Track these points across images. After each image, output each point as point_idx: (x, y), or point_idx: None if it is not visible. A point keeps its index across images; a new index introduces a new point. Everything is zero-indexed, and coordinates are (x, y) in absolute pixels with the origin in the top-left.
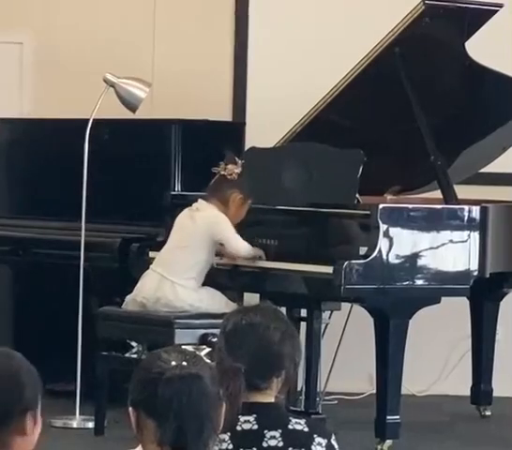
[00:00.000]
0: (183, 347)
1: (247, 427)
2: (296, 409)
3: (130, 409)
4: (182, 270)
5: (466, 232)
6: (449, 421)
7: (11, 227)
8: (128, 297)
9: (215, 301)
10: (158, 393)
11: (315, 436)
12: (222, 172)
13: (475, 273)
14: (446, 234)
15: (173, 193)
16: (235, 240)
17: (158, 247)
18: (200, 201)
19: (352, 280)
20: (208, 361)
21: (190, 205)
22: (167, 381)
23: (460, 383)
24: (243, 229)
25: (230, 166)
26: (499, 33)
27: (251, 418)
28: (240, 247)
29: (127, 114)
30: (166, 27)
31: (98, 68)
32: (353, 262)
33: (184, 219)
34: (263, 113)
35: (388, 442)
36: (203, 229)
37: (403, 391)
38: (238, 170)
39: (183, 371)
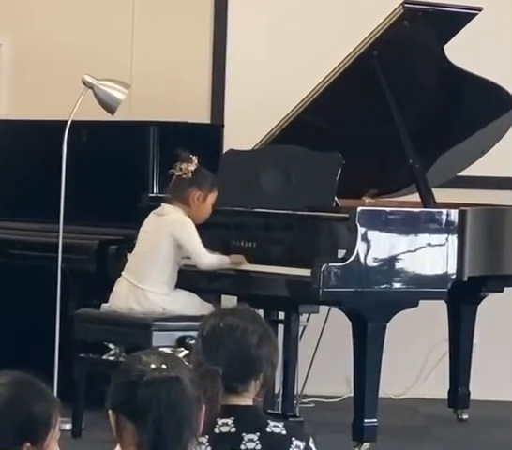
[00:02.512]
0: (161, 349)
1: (225, 429)
2: (273, 411)
3: (110, 411)
4: (152, 277)
5: (444, 236)
6: (426, 424)
7: None
8: (104, 306)
9: (189, 302)
10: (138, 396)
11: (293, 439)
12: (177, 173)
13: (453, 276)
14: (425, 238)
15: (151, 195)
16: (198, 251)
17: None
18: (163, 205)
19: (330, 283)
20: (187, 363)
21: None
22: (146, 384)
23: (438, 387)
24: (220, 231)
25: (183, 165)
26: (498, 36)
27: (229, 421)
28: (202, 257)
29: (105, 116)
30: (145, 29)
31: (77, 70)
32: (331, 264)
33: (150, 224)
34: (241, 116)
35: (366, 445)
36: (168, 232)
37: (381, 394)
38: (192, 167)
39: (162, 374)
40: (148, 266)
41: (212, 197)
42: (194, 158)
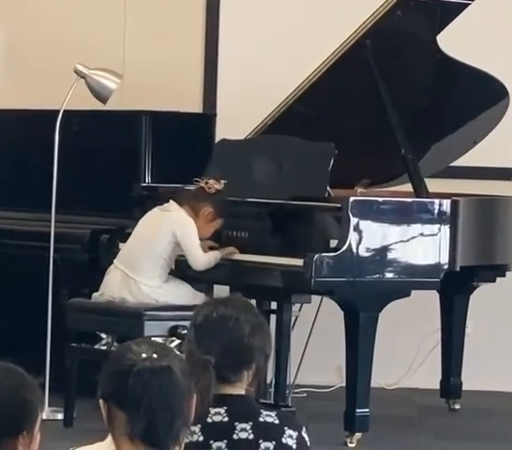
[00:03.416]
0: (153, 339)
1: (217, 419)
2: (266, 401)
3: (101, 401)
4: (146, 269)
5: (437, 226)
6: (418, 414)
7: None
8: (95, 295)
9: (181, 293)
10: (129, 385)
11: (286, 428)
12: (202, 185)
13: (446, 266)
14: (417, 228)
15: (144, 185)
16: (196, 253)
17: (128, 238)
18: (171, 202)
19: (322, 273)
20: (178, 353)
21: (160, 200)
22: (137, 373)
23: (430, 377)
24: None
25: (211, 181)
26: (492, 26)
27: (222, 410)
28: (199, 260)
29: (97, 105)
30: (137, 19)
31: (69, 59)
32: (324, 254)
33: (152, 217)
34: (233, 105)
35: (358, 435)
36: (170, 229)
37: (373, 384)
38: (219, 186)
39: (153, 364)
40: (143, 258)
41: (217, 223)
42: (223, 182)
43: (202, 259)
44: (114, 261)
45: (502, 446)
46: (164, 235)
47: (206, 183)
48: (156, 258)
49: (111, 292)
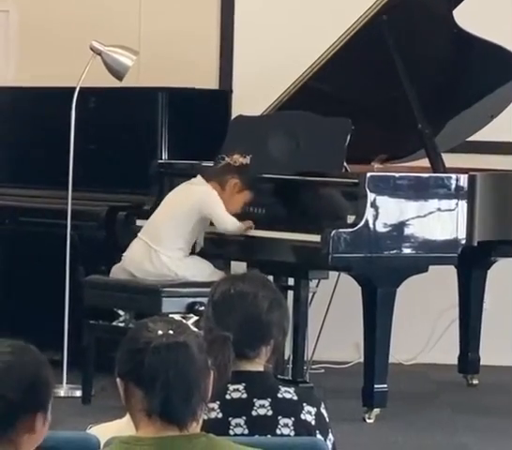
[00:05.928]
0: (170, 316)
1: (236, 395)
2: (283, 377)
3: (118, 379)
4: (167, 240)
5: (454, 201)
6: (436, 390)
7: None
8: (116, 266)
9: (201, 270)
10: (145, 362)
11: (304, 404)
12: (227, 160)
13: (463, 241)
14: (434, 203)
15: (160, 161)
16: (223, 216)
17: (145, 215)
18: (199, 177)
19: (339, 249)
20: (195, 329)
21: (179, 174)
22: (154, 350)
23: (448, 352)
24: None
25: (236, 155)
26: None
27: (241, 387)
28: (228, 223)
29: (113, 82)
30: None
31: (85, 36)
32: (341, 230)
33: (178, 191)
34: (250, 81)
35: (376, 410)
36: (193, 201)
37: (390, 360)
38: (244, 161)
39: (170, 340)
40: (166, 229)
41: (247, 194)
42: (248, 157)
43: (232, 221)
44: (139, 233)
45: None
46: (187, 206)
47: (232, 158)
48: (179, 229)
49: (132, 262)
